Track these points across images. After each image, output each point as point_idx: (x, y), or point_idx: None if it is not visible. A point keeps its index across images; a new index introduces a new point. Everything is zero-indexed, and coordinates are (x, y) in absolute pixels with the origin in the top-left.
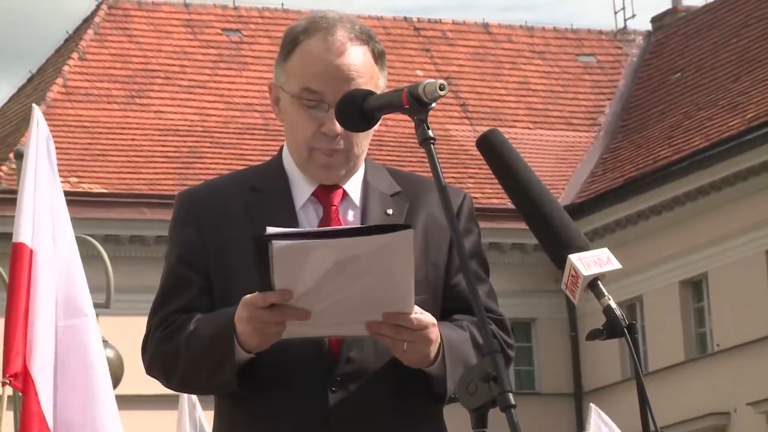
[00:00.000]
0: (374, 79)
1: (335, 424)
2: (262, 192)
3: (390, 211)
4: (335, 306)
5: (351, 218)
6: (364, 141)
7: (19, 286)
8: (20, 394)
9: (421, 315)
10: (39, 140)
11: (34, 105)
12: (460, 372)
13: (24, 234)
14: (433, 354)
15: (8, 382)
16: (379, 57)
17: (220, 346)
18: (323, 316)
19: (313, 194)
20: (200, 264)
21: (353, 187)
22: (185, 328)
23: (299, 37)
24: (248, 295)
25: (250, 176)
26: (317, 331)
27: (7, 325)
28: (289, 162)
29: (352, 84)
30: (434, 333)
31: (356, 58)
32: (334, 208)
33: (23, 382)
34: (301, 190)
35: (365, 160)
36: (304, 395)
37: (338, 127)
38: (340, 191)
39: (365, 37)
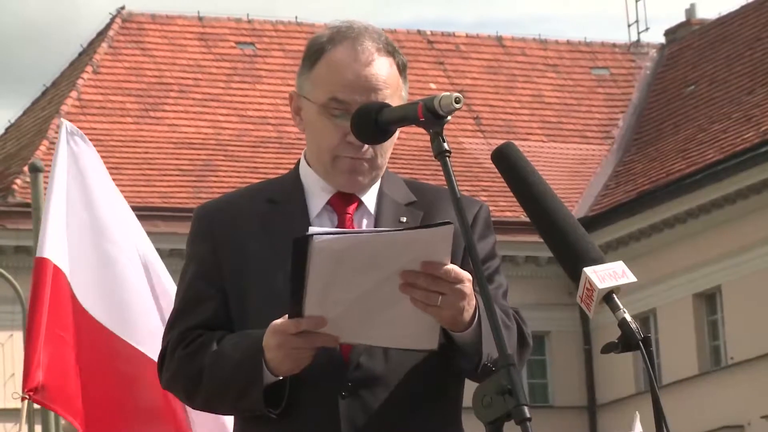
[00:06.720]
0: (399, 91)
1: (347, 430)
2: (277, 203)
3: (404, 219)
4: (369, 308)
5: (365, 226)
6: (387, 151)
7: (41, 301)
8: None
9: (457, 268)
10: (67, 156)
11: (63, 119)
12: (491, 341)
13: (47, 249)
14: (468, 314)
15: (27, 397)
16: (402, 69)
17: (247, 371)
18: (357, 319)
19: (328, 203)
20: (217, 279)
21: (369, 196)
22: (208, 349)
23: (325, 46)
24: (277, 321)
25: (266, 189)
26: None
27: (28, 340)
28: (306, 173)
29: (379, 95)
30: (469, 288)
31: (383, 68)
32: (348, 216)
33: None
34: (317, 199)
35: None
36: (315, 402)
37: None
38: (355, 200)
39: (391, 49)
